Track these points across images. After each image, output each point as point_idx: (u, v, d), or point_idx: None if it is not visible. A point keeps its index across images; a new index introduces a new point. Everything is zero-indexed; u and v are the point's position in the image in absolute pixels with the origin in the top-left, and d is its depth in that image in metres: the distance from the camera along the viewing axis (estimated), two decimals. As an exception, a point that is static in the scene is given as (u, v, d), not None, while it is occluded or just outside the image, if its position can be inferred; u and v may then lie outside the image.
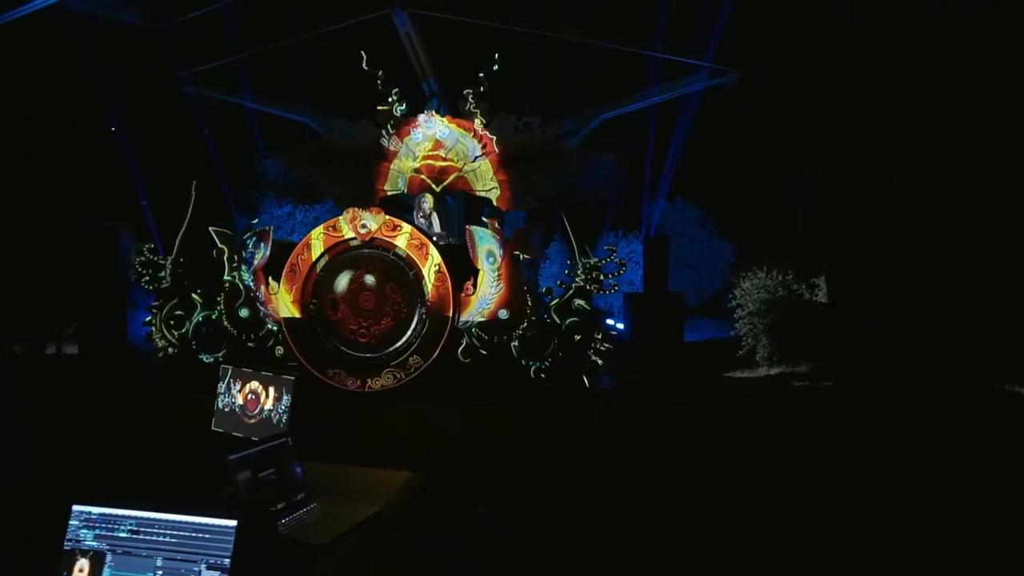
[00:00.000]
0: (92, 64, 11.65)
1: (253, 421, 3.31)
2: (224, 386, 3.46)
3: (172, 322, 10.08)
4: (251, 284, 10.03)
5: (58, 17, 10.98)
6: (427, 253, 9.69)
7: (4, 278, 10.71)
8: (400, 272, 9.77)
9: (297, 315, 9.76)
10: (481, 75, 12.50)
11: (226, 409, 3.44)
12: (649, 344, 9.61)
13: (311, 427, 3.34)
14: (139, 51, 12.28)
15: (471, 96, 12.59)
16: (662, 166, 13.88)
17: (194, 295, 10.15)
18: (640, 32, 12.53)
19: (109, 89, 11.83)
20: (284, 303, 9.80)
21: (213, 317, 10.12)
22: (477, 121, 12.52)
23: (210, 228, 10.03)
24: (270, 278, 10.01)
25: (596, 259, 9.95)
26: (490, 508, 3.59)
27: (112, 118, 11.42)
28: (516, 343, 9.81)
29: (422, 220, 11.00)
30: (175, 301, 10.11)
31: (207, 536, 1.77)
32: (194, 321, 10.09)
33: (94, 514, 1.83)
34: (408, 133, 12.73)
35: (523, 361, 9.82)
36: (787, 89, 14.10)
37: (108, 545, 1.81)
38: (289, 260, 9.85)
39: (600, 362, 9.66)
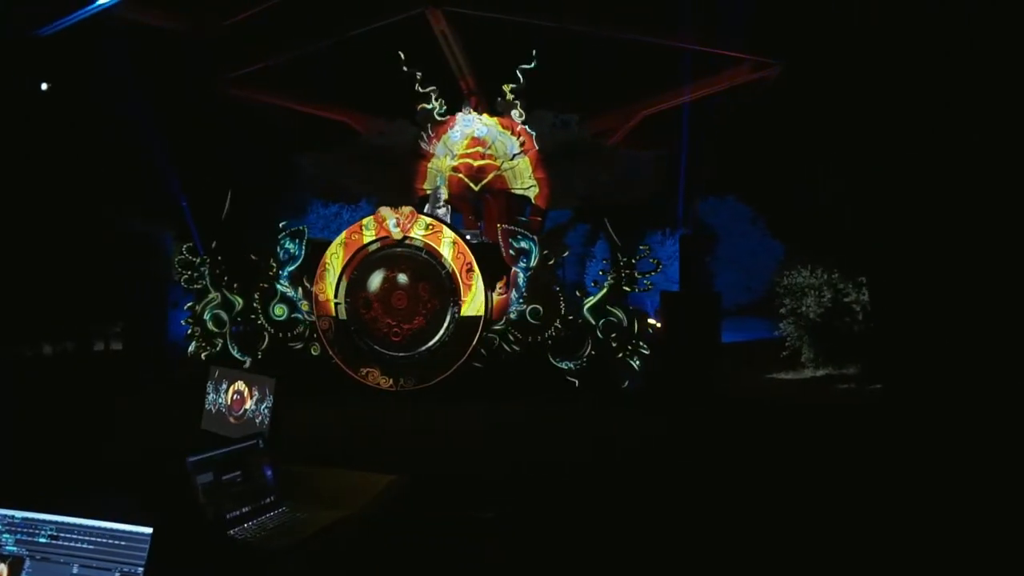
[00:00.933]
0: (136, 68, 11.92)
1: (237, 422, 3.28)
2: (212, 386, 3.45)
3: (210, 322, 10.24)
4: (287, 283, 10.14)
5: (103, 24, 11.22)
6: (460, 251, 9.65)
7: (54, 278, 11.03)
8: (432, 271, 9.74)
9: (332, 314, 9.82)
10: (518, 72, 12.46)
11: (213, 409, 3.42)
12: (684, 345, 9.37)
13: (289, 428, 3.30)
14: (182, 56, 12.51)
15: (509, 93, 12.55)
16: (704, 163, 13.58)
17: (232, 295, 10.29)
18: (678, 26, 12.26)
19: (153, 93, 12.07)
20: (320, 301, 9.87)
21: (251, 316, 10.25)
22: (515, 113, 12.46)
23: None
24: (304, 277, 10.09)
25: (631, 258, 9.75)
26: (482, 513, 3.51)
27: (156, 121, 11.65)
28: (549, 343, 9.69)
29: (439, 210, 10.95)
30: (213, 301, 10.27)
31: (123, 543, 1.72)
32: (231, 321, 10.24)
33: (17, 518, 1.80)
34: (446, 131, 12.75)
35: (556, 362, 9.69)
36: (835, 81, 13.64)
37: (28, 550, 1.78)
38: (322, 259, 9.92)
39: (635, 364, 9.46)
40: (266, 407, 3.18)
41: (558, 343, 9.68)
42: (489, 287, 9.65)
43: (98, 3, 9.53)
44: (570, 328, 9.69)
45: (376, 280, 9.84)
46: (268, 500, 2.71)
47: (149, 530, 1.71)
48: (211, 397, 3.43)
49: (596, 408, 8.90)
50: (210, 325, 10.21)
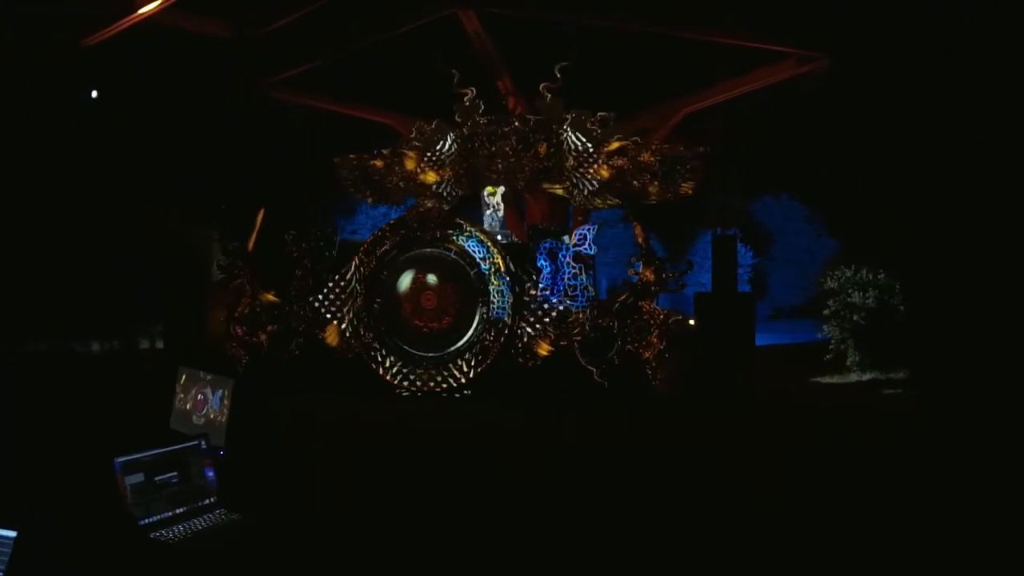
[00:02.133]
0: (180, 74, 12.24)
1: (200, 421, 3.30)
2: (180, 386, 3.48)
3: (247, 322, 10.44)
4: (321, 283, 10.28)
5: (148, 30, 11.53)
6: (489, 252, 9.63)
7: (102, 278, 11.42)
8: (461, 272, 9.74)
9: (362, 313, 9.91)
10: (556, 71, 12.35)
11: (180, 408, 3.46)
12: (716, 346, 9.14)
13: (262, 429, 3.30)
14: (226, 60, 12.81)
15: (546, 92, 12.44)
16: (748, 160, 13.24)
17: (268, 295, 10.46)
18: (719, 21, 11.99)
19: (198, 97, 12.38)
20: (351, 302, 9.98)
21: (285, 316, 10.41)
22: (554, 117, 12.35)
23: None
24: (336, 276, 10.21)
25: (662, 258, 9.57)
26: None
27: (198, 125, 11.96)
28: (577, 345, 9.57)
29: (489, 213, 10.94)
30: (249, 301, 10.46)
31: (-12, 545, 1.72)
32: (266, 320, 10.42)
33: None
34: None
35: (585, 363, 9.56)
36: (887, 73, 13.14)
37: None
38: (354, 259, 10.02)
39: (657, 366, 9.27)
40: (225, 408, 3.20)
41: (587, 344, 9.55)
42: (518, 288, 9.60)
43: (140, 11, 9.79)
44: (599, 330, 9.55)
45: (406, 281, 9.90)
46: (206, 502, 2.71)
47: (13, 533, 1.70)
48: (179, 397, 3.47)
49: (622, 410, 8.76)
50: (246, 326, 10.40)
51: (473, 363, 9.59)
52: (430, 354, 9.78)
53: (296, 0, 12.18)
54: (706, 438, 7.48)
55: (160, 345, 11.50)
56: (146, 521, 2.48)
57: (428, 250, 9.88)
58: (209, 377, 3.35)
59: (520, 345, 9.66)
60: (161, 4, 9.76)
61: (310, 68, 13.59)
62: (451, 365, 9.67)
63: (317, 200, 14.30)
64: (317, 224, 10.32)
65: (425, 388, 9.65)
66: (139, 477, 2.51)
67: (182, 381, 3.47)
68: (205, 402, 3.31)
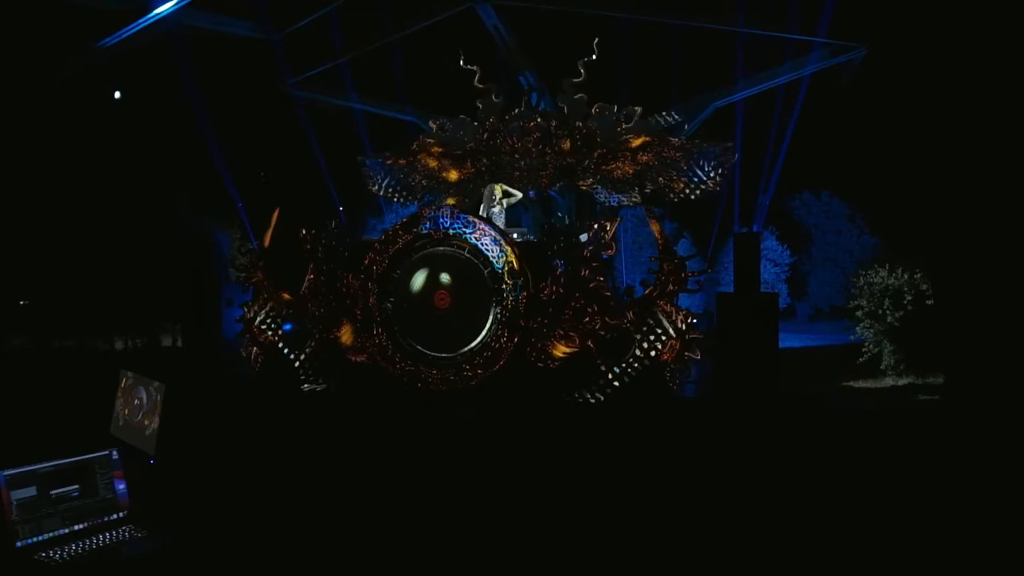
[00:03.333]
0: (200, 73, 12.28)
1: (135, 426, 3.14)
2: (121, 390, 3.33)
3: (265, 323, 10.41)
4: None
5: (168, 31, 11.57)
6: (503, 251, 9.40)
7: (126, 277, 11.50)
8: (474, 271, 9.53)
9: (375, 314, 9.77)
10: (579, 65, 12.07)
11: (119, 413, 3.31)
12: (737, 349, 8.77)
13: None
14: (247, 60, 12.81)
15: (569, 87, 12.18)
16: (779, 155, 12.78)
17: (283, 294, 10.41)
18: (748, 11, 11.57)
19: (218, 97, 12.41)
20: (363, 302, 9.84)
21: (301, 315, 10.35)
22: (577, 113, 12.08)
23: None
24: (350, 276, 10.08)
25: (681, 256, 9.24)
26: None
27: (220, 125, 11.98)
28: (594, 347, 9.29)
29: (493, 209, 10.73)
30: (267, 302, 10.42)
31: None
32: (282, 320, 10.37)
33: None
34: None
35: (602, 365, 9.28)
36: (927, 64, 12.54)
37: None
38: (366, 259, 9.88)
39: (676, 368, 8.94)
40: (155, 414, 3.03)
41: (603, 346, 9.26)
42: (533, 287, 9.35)
43: (155, 12, 9.80)
44: (616, 331, 9.26)
45: (419, 280, 9.73)
46: (113, 517, 2.54)
47: None
48: (120, 401, 3.32)
49: (640, 414, 8.47)
50: (261, 324, 10.37)
51: (486, 364, 9.37)
52: (443, 355, 9.59)
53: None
54: (723, 445, 7.15)
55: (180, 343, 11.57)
56: (33, 540, 2.31)
57: (441, 248, 9.68)
58: (145, 381, 3.19)
59: (535, 346, 9.41)
60: (175, 3, 9.74)
61: (334, 66, 13.53)
62: (464, 366, 9.46)
63: (346, 199, 14.21)
64: (331, 221, 10.14)
65: (438, 389, 9.46)
66: (30, 491, 2.34)
67: (123, 385, 3.32)
68: (140, 408, 3.15)
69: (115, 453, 2.62)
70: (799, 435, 7.26)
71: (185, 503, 2.89)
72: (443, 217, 9.64)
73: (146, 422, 3.12)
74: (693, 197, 12.87)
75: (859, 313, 11.13)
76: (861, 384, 10.74)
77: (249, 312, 10.37)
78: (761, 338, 8.81)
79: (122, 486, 2.60)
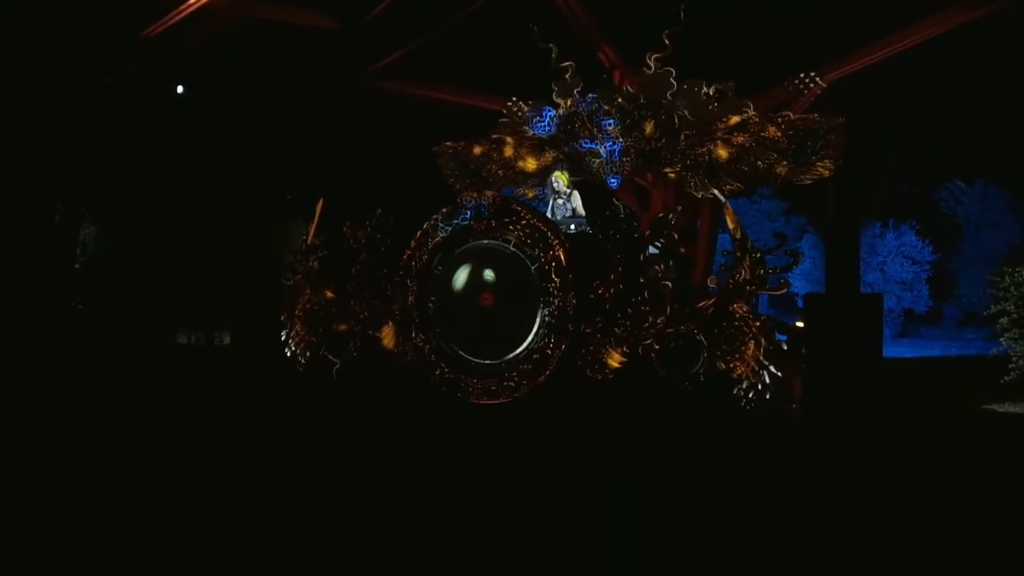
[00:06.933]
0: (280, 68, 11.99)
1: None
2: None
3: (305, 320, 9.86)
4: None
5: (244, 25, 11.32)
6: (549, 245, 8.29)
7: (190, 275, 11.38)
8: (521, 267, 8.47)
9: (415, 313, 8.93)
10: (664, 37, 10.72)
11: None
12: (827, 359, 7.15)
13: None
14: (318, 53, 12.43)
15: (653, 63, 10.86)
16: (906, 135, 10.82)
17: (327, 292, 9.79)
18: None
19: (291, 90, 12.10)
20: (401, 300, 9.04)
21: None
22: (662, 91, 10.76)
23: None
24: (388, 270, 9.32)
25: (761, 250, 7.75)
26: None
27: (290, 119, 11.63)
28: (655, 356, 7.97)
29: (559, 202, 9.63)
30: (309, 298, 9.86)
31: None
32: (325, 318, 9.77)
33: None
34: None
35: (665, 376, 7.94)
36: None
37: None
38: (407, 253, 9.05)
39: (748, 383, 7.46)
40: None
41: (667, 353, 7.93)
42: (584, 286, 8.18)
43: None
44: (681, 339, 7.90)
45: (461, 277, 8.78)
46: None
47: None
48: None
49: (704, 430, 7.11)
50: (304, 324, 9.82)
51: (532, 374, 8.26)
52: (487, 361, 8.57)
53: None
54: (804, 477, 5.65)
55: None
56: None
57: (485, 242, 8.68)
58: None
59: (587, 354, 8.20)
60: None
61: (404, 55, 12.88)
62: (509, 374, 8.40)
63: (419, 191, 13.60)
64: (375, 212, 9.41)
65: (480, 400, 8.45)
66: None
67: None
68: None
69: None
70: (880, 477, 5.62)
71: None
72: (485, 206, 8.65)
73: None
74: (800, 183, 11.20)
75: (1003, 320, 9.09)
76: (1008, 408, 8.71)
77: (292, 311, 9.84)
78: (858, 350, 7.13)
79: None
